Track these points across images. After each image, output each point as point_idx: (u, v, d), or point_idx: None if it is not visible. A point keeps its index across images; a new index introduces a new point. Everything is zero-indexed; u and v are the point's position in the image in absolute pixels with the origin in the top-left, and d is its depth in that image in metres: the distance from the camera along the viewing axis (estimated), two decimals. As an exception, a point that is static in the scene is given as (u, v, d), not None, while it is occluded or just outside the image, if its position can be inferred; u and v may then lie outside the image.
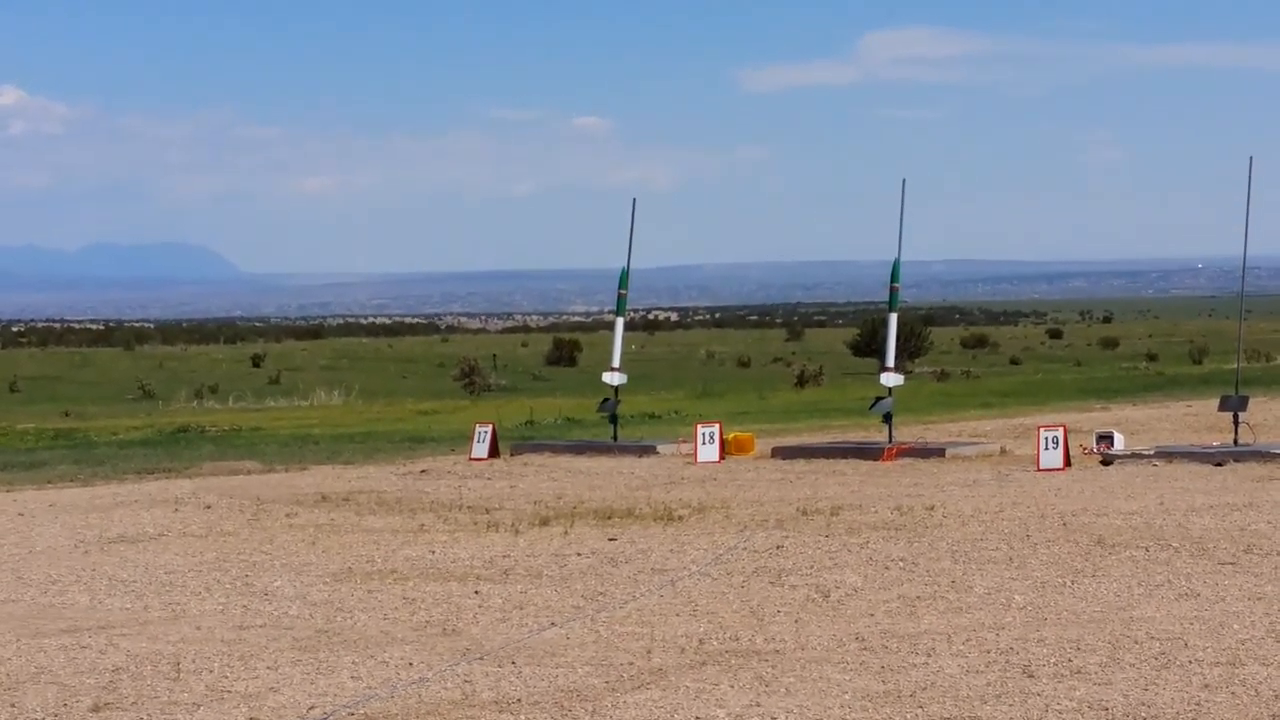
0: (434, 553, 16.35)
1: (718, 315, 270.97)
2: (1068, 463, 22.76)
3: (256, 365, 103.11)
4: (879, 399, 26.04)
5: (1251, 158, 24.49)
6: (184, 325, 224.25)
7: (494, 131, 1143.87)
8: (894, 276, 26.32)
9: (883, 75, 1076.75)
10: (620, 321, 29.30)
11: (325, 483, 23.73)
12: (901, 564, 14.79)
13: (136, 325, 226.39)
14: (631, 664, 11.03)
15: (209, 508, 20.69)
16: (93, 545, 17.63)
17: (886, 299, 27.28)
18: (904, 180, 26.36)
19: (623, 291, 29.04)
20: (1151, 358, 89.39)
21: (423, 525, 18.53)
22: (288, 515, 19.72)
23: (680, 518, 18.43)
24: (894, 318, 26.98)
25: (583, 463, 26.02)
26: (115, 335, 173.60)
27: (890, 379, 26.01)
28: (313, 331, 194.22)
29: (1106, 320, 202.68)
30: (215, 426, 41.28)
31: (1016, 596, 13.08)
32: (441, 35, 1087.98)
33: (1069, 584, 13.57)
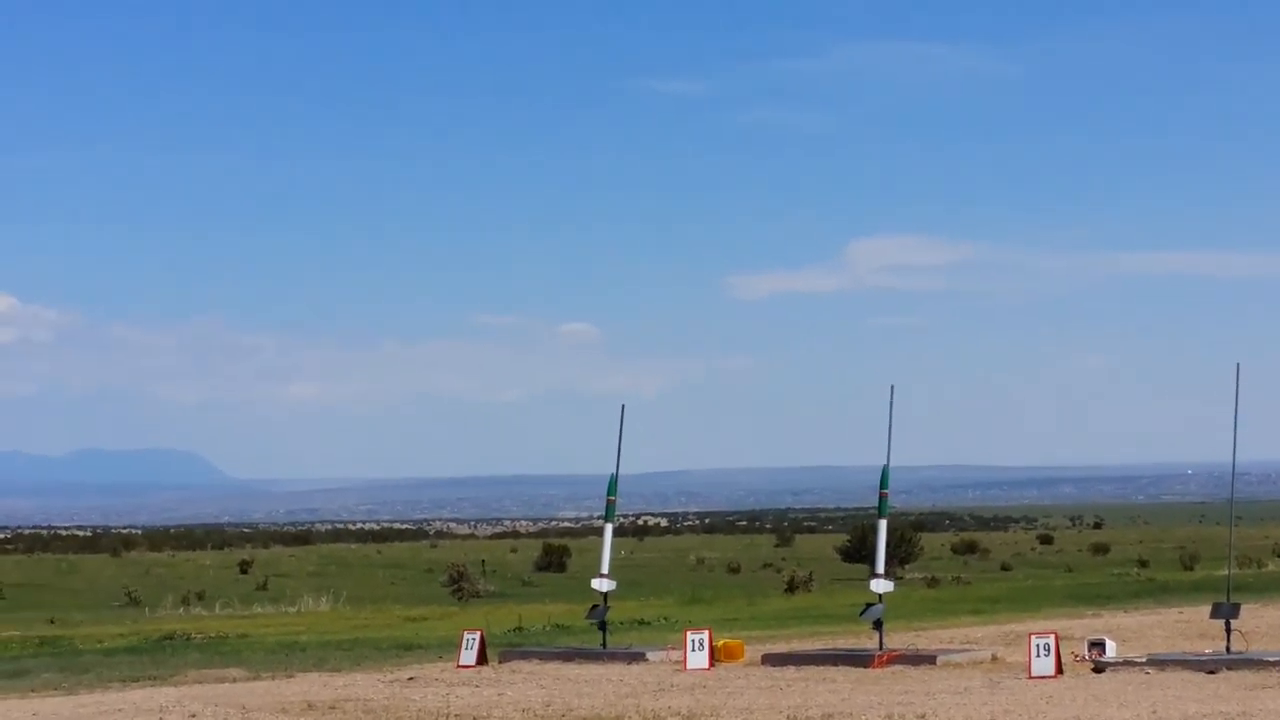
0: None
1: (707, 520, 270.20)
2: (1060, 670, 22.63)
3: (244, 571, 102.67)
4: (869, 605, 25.96)
5: (1239, 365, 24.64)
6: (171, 531, 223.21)
7: (479, 338, 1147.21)
8: (883, 483, 26.31)
9: (869, 282, 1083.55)
10: (609, 527, 29.20)
11: (311, 690, 23.53)
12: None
13: (123, 532, 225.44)
14: None
15: (194, 716, 20.49)
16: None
17: (876, 505, 27.24)
18: (892, 387, 26.46)
19: (611, 498, 29.00)
20: (1143, 564, 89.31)
21: (409, 734, 18.34)
22: (273, 724, 19.52)
23: (669, 726, 18.25)
24: (883, 524, 26.91)
25: (571, 670, 25.83)
26: (102, 542, 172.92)
27: (880, 585, 25.91)
28: (300, 537, 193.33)
29: (1097, 526, 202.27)
30: (201, 634, 41.02)
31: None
32: (425, 244, 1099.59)
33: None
